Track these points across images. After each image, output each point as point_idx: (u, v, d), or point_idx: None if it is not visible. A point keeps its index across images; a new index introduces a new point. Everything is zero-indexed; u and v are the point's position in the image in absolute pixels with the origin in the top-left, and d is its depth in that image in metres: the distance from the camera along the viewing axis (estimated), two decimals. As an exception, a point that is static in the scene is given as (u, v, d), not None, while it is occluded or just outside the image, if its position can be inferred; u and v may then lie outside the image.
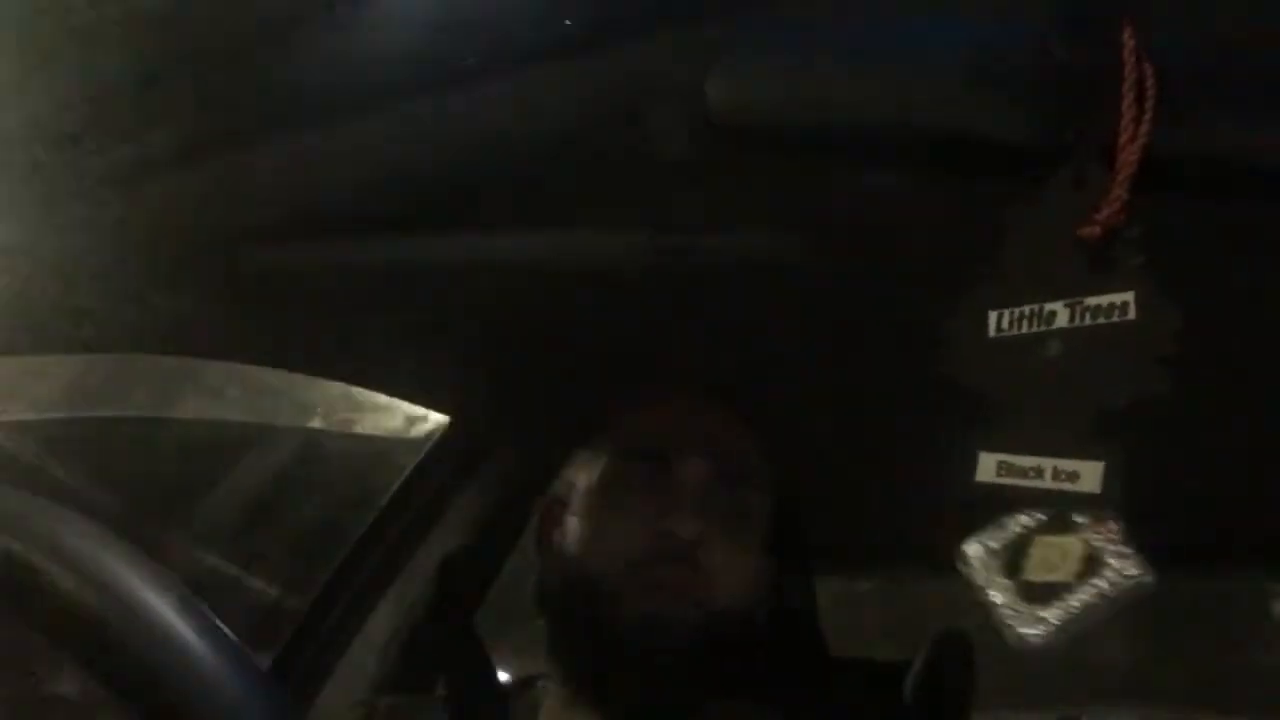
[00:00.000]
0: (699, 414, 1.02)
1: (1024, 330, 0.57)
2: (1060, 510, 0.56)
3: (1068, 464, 0.55)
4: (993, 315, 0.58)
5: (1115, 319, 0.56)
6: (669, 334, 1.06)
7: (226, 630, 0.49)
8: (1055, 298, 0.57)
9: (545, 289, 0.99)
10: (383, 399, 1.43)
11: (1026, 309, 0.57)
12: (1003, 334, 0.58)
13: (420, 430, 1.51)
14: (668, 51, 0.64)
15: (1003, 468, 0.56)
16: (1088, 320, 0.57)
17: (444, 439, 1.42)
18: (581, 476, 1.02)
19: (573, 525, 1.00)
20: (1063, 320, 0.57)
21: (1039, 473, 0.56)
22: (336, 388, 1.39)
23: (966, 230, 0.76)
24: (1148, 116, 0.55)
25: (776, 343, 1.07)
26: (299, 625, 1.40)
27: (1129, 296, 0.57)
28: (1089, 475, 0.55)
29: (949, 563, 0.63)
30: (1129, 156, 0.56)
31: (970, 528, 0.59)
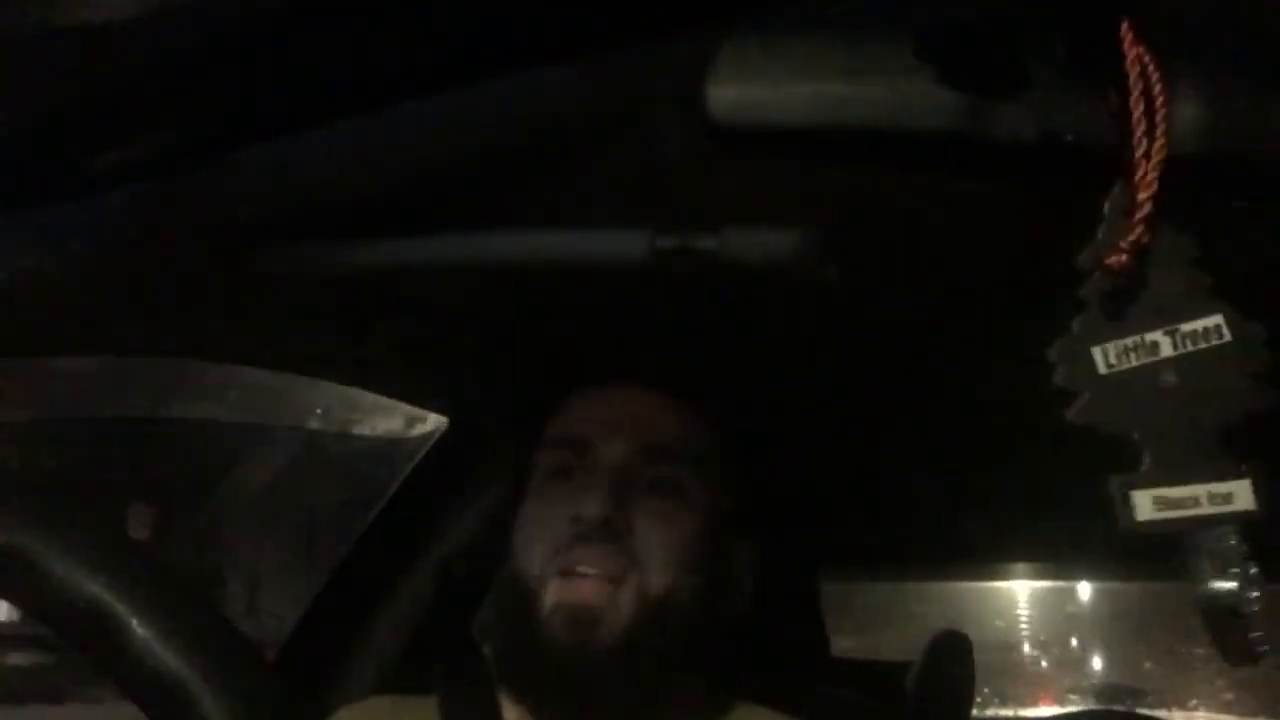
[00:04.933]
0: (623, 397, 1.01)
1: (1134, 363, 0.58)
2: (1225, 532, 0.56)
3: (1220, 487, 0.56)
4: (1097, 352, 0.58)
5: (1214, 342, 0.57)
6: (670, 334, 1.06)
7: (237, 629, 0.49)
8: (1153, 328, 0.58)
9: (544, 289, 0.99)
10: (382, 400, 1.43)
11: (1129, 341, 0.58)
12: (1114, 369, 0.58)
13: (420, 430, 1.51)
14: (668, 52, 0.64)
15: (1159, 502, 0.56)
16: (1190, 346, 0.57)
17: (443, 439, 1.42)
18: (529, 474, 1.02)
19: (513, 523, 1.00)
20: (1167, 349, 0.58)
21: (1195, 501, 0.56)
22: (336, 389, 1.39)
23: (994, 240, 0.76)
24: (1160, 128, 0.55)
25: (779, 345, 1.07)
26: (298, 626, 1.40)
27: (1219, 319, 0.57)
28: (1241, 494, 0.56)
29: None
30: (1147, 174, 0.55)
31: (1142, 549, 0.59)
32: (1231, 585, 0.55)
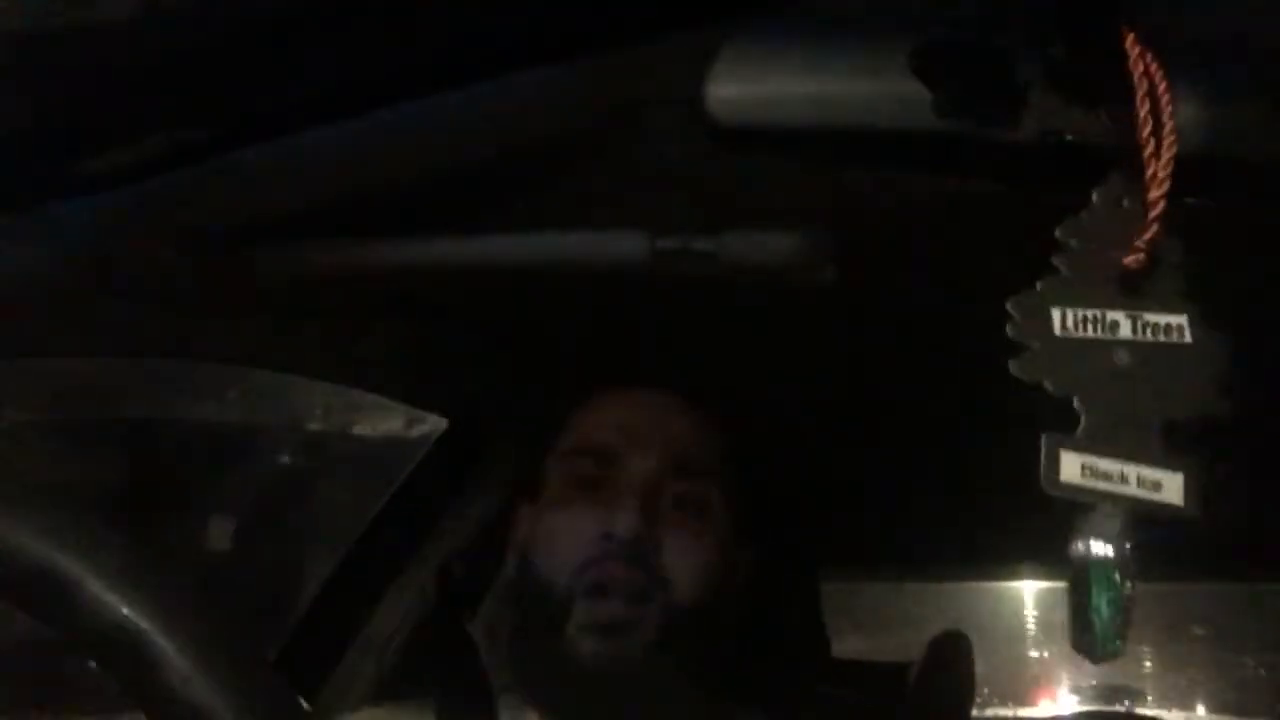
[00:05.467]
0: (651, 407, 1.00)
1: (1090, 334, 0.58)
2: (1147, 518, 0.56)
3: (1151, 472, 0.56)
4: (1056, 312, 0.58)
5: (1174, 339, 0.57)
6: (669, 335, 1.06)
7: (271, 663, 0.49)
8: (1116, 308, 0.58)
9: (544, 290, 0.99)
10: (382, 400, 1.43)
11: (1090, 312, 0.58)
12: (1069, 334, 0.58)
13: (420, 430, 1.51)
14: (668, 52, 0.64)
15: (1087, 470, 0.56)
16: (1149, 336, 0.57)
17: (443, 439, 1.42)
18: (544, 477, 1.01)
19: (529, 528, 0.99)
20: (1126, 331, 0.57)
21: (1124, 479, 0.56)
22: (336, 389, 1.39)
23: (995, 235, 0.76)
24: (1167, 127, 0.55)
25: (779, 347, 1.07)
26: (297, 627, 1.40)
27: (1183, 320, 0.57)
28: (1171, 487, 0.55)
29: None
30: (1158, 173, 0.55)
31: (1056, 523, 0.58)
32: (1110, 555, 0.55)
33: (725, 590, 0.97)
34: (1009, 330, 0.58)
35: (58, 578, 0.49)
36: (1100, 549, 0.55)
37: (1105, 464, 0.56)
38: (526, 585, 0.96)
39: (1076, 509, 0.56)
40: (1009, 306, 0.58)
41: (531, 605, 0.95)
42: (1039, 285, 0.59)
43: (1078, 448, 0.56)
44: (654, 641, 0.90)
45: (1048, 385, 0.57)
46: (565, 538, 0.95)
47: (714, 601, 0.95)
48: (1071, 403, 0.57)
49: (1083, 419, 0.57)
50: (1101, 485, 0.56)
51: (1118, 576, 0.55)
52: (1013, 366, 0.58)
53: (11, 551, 0.49)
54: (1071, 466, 0.56)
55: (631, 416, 1.00)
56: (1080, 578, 0.55)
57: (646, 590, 0.91)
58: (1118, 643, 0.55)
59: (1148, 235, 0.57)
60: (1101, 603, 0.55)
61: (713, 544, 0.96)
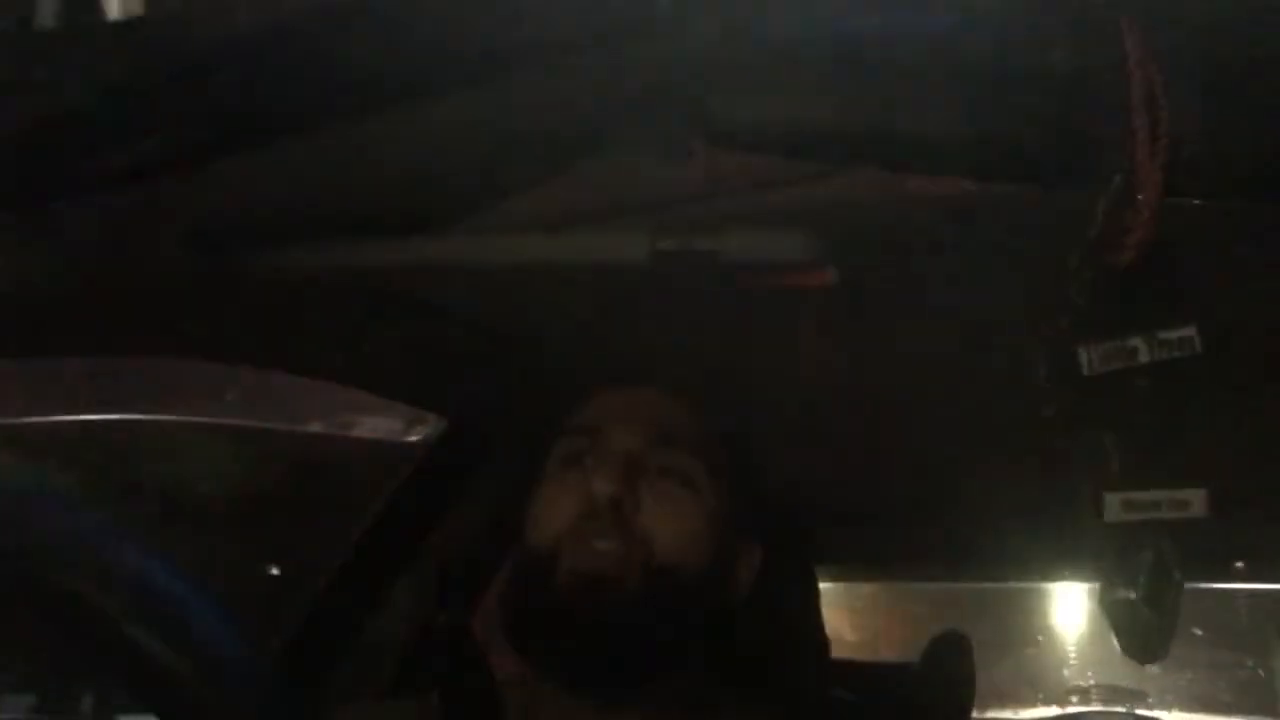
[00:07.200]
0: (637, 391, 1.05)
1: (1114, 366, 0.58)
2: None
3: (1179, 494, 0.57)
4: (1082, 352, 0.58)
5: (1187, 352, 0.57)
6: (669, 334, 1.06)
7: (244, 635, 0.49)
8: (1132, 333, 0.58)
9: (546, 290, 0.99)
10: (382, 400, 1.43)
11: (1110, 345, 0.58)
12: (1095, 371, 0.58)
13: (420, 430, 1.51)
14: (669, 53, 0.64)
15: (1126, 504, 0.57)
16: (1164, 354, 0.58)
17: (444, 440, 1.42)
18: (543, 468, 1.04)
19: (526, 506, 1.02)
20: (1144, 356, 0.58)
21: (1157, 505, 0.57)
22: (336, 389, 1.39)
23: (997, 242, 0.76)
24: (1163, 128, 0.55)
25: (778, 346, 1.07)
26: (299, 627, 1.40)
27: (1192, 331, 0.57)
28: (1196, 502, 0.57)
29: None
30: (1151, 174, 0.55)
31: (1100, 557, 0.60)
32: (1151, 588, 0.56)
33: (714, 567, 0.99)
34: (1041, 377, 0.59)
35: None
36: (1144, 582, 0.56)
37: (1141, 496, 0.57)
38: (521, 556, 0.99)
39: (1122, 552, 0.57)
40: (1038, 353, 0.59)
41: (525, 569, 0.98)
42: (1061, 324, 0.59)
43: (1116, 486, 0.57)
44: (638, 595, 0.93)
45: (1083, 427, 0.58)
46: (553, 506, 0.99)
47: (698, 569, 0.97)
48: (1104, 441, 0.58)
49: (1116, 455, 0.57)
50: (1140, 516, 0.57)
51: (1163, 597, 0.56)
52: (1047, 413, 0.58)
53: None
54: (1113, 505, 0.57)
55: (618, 399, 1.04)
56: (1128, 611, 0.57)
57: (627, 549, 0.94)
58: (1165, 646, 0.57)
59: (1139, 235, 0.57)
60: (1154, 624, 0.57)
61: (697, 514, 0.99)
